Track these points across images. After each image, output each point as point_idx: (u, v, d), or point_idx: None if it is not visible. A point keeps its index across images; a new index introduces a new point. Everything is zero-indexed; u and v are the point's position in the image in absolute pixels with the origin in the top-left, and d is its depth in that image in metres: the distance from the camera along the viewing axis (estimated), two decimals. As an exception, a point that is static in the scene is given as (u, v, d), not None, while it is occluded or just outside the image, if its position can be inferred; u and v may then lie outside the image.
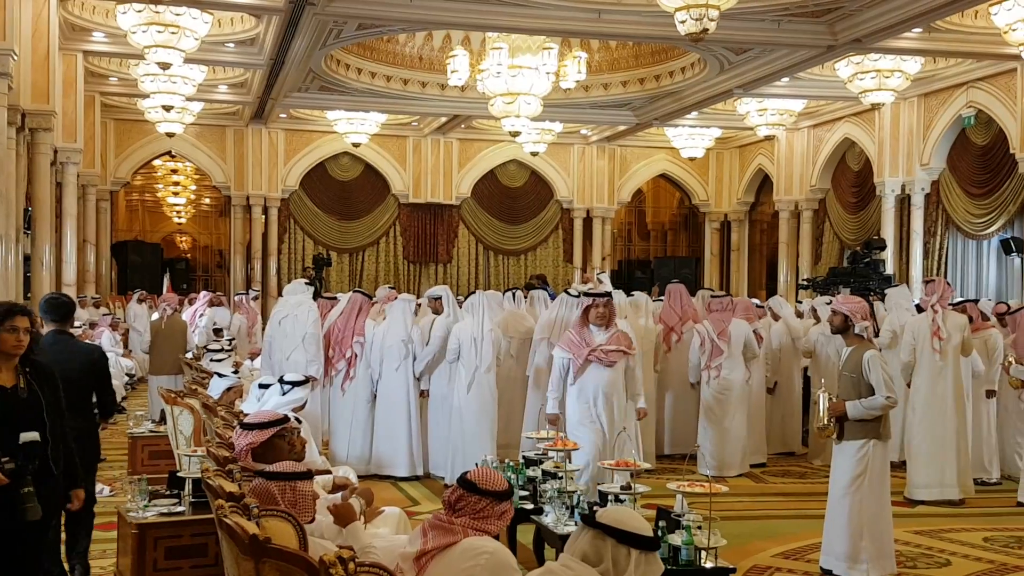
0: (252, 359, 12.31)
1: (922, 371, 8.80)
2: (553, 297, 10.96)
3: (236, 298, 16.72)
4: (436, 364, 9.53)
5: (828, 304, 8.54)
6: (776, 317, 11.34)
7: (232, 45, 15.73)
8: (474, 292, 9.73)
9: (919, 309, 9.58)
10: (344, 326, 9.72)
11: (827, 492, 6.60)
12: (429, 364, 9.48)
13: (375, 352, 9.57)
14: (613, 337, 7.75)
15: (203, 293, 17.73)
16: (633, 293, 10.74)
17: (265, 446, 4.91)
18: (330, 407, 9.91)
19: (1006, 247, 16.87)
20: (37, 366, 4.56)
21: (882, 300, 11.56)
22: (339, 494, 5.31)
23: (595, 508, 4.83)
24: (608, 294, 8.02)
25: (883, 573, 6.29)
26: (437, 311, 9.70)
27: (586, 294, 7.98)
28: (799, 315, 12.12)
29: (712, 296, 10.58)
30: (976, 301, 10.59)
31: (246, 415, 5.97)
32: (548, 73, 15.19)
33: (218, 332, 15.15)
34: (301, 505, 4.04)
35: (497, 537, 3.62)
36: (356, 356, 9.64)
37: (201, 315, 15.94)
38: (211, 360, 10.60)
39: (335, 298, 10.94)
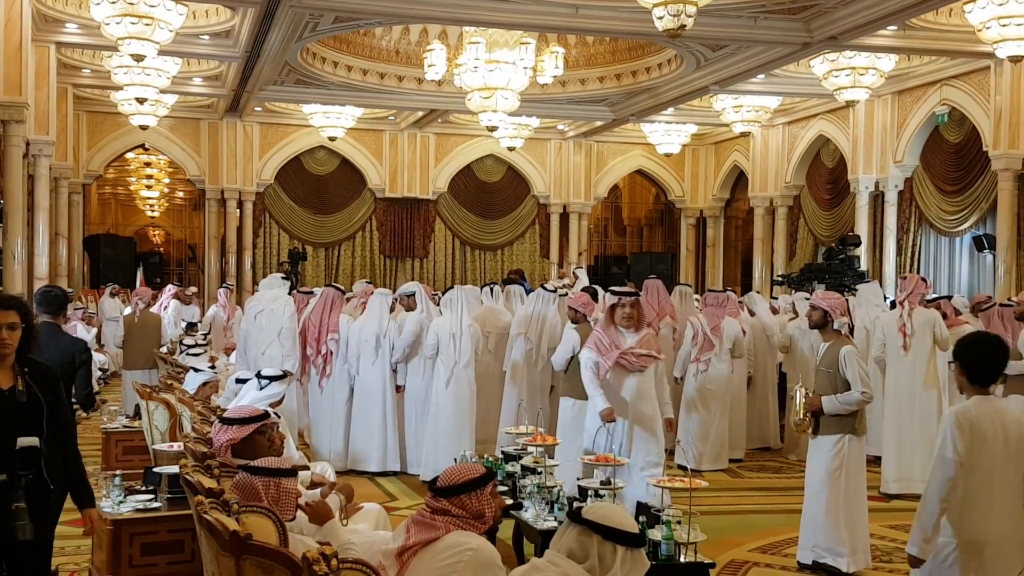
0: (227, 354, 12.24)
1: (891, 367, 8.89)
2: (530, 292, 10.95)
3: (219, 292, 16.59)
4: (410, 359, 9.51)
5: (807, 299, 8.58)
6: (752, 313, 11.40)
7: (207, 37, 15.59)
8: (452, 287, 9.70)
9: (893, 305, 9.67)
10: (318, 322, 9.67)
11: (803, 487, 6.64)
12: (403, 357, 9.45)
13: (352, 347, 9.53)
14: (643, 340, 7.09)
15: (168, 287, 17.62)
16: (611, 288, 10.75)
17: (245, 442, 4.88)
18: (310, 403, 9.87)
19: (978, 244, 17.03)
20: (36, 366, 4.14)
21: (854, 296, 11.65)
22: (317, 490, 5.28)
23: (577, 504, 4.83)
24: (636, 293, 7.31)
25: (858, 567, 6.34)
26: (410, 308, 9.68)
27: (613, 291, 7.19)
28: (774, 311, 12.20)
29: (709, 291, 10.66)
30: (949, 297, 10.69)
31: (223, 410, 5.93)
32: (525, 68, 15.17)
33: (192, 327, 15.03)
34: (284, 502, 4.01)
35: (489, 533, 3.61)
36: (332, 353, 9.59)
37: (165, 307, 15.82)
38: (187, 355, 10.53)
39: (312, 292, 10.89)
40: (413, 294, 9.76)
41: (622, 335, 7.06)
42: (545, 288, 10.15)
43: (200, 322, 15.70)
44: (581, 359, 7.15)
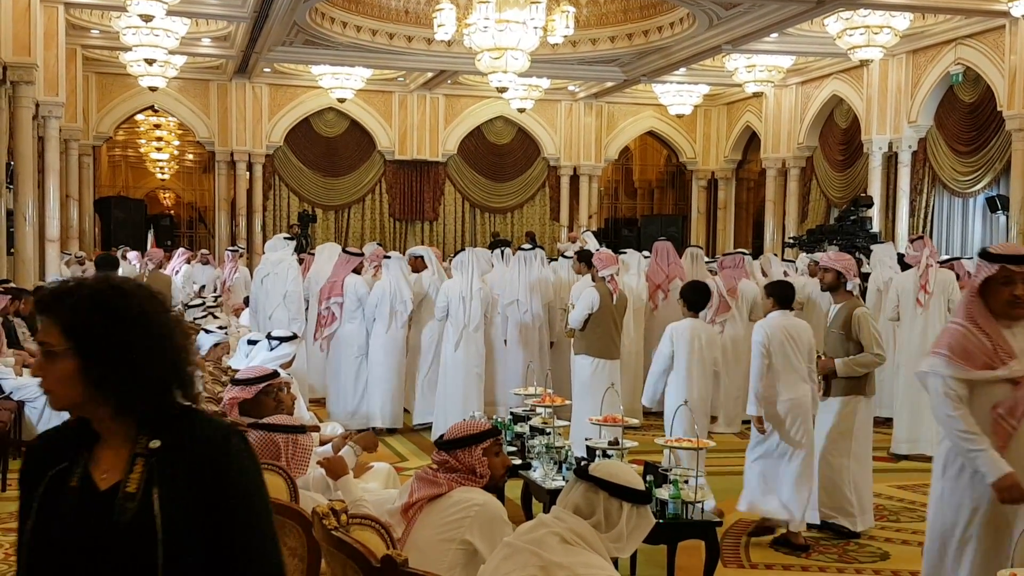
0: (236, 316, 12.30)
1: (905, 327, 8.86)
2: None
3: (226, 253, 16.70)
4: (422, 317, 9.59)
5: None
6: (764, 274, 11.35)
7: (215, -3, 15.52)
8: (463, 249, 9.73)
9: (903, 265, 9.63)
10: (331, 286, 9.70)
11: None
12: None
13: (368, 309, 9.51)
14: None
15: (179, 250, 17.69)
16: (624, 251, 10.74)
17: (252, 402, 4.92)
18: (326, 364, 9.90)
19: (992, 205, 16.91)
20: (175, 439, 1.87)
21: (867, 257, 11.61)
22: (328, 445, 5.32)
23: (585, 463, 4.85)
24: None
25: (864, 527, 6.36)
26: (417, 269, 9.72)
27: (999, 255, 3.81)
28: (784, 275, 12.16)
29: (725, 254, 10.63)
30: (960, 259, 10.64)
31: (235, 371, 5.98)
32: (536, 28, 15.01)
33: (202, 289, 15.14)
34: (301, 458, 4.07)
35: (495, 491, 3.65)
36: (334, 316, 9.59)
37: (176, 272, 15.90)
38: (209, 314, 10.61)
39: (360, 254, 10.88)
40: (422, 256, 9.80)
41: (1008, 334, 3.73)
42: (523, 249, 10.14)
43: (207, 284, 15.78)
44: (931, 380, 3.83)
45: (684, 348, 7.12)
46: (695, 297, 7.26)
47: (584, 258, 9.54)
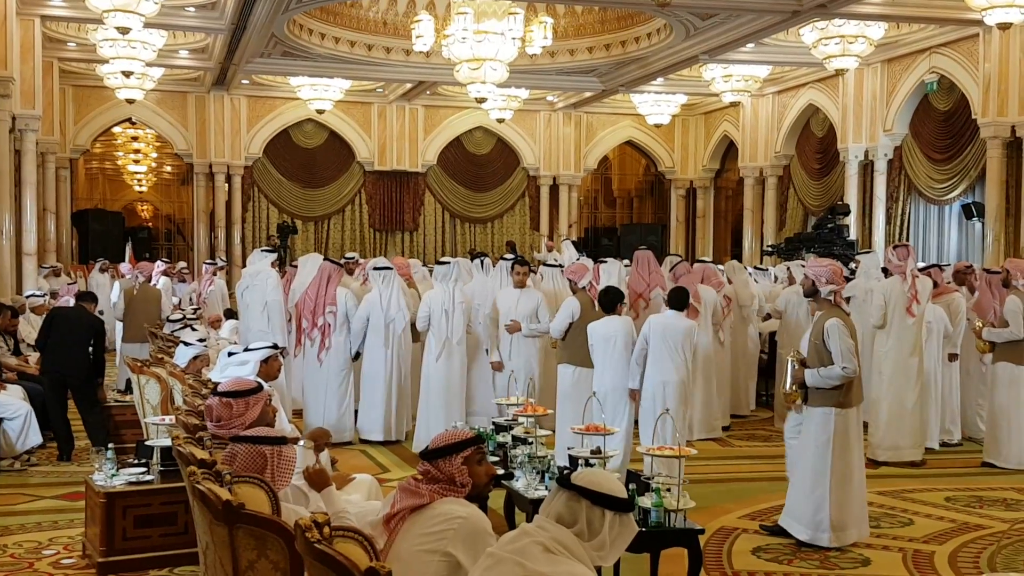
0: (215, 328, 12.25)
1: (892, 335, 8.85)
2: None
3: (204, 266, 16.62)
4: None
5: (803, 267, 8.59)
6: (730, 281, 11.35)
7: (193, 9, 15.44)
8: (441, 262, 9.71)
9: (885, 273, 9.69)
10: (315, 296, 9.63)
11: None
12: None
13: (365, 323, 9.47)
14: None
15: (158, 263, 17.58)
16: (605, 260, 10.78)
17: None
18: (305, 377, 9.84)
19: (967, 212, 17.07)
20: None
21: (847, 265, 11.66)
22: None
23: (567, 471, 4.86)
24: None
25: (852, 540, 6.33)
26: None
27: None
28: (756, 281, 12.21)
29: (672, 266, 10.67)
30: (937, 266, 10.72)
31: (215, 383, 5.94)
32: (514, 39, 15.06)
33: (178, 304, 15.07)
34: (285, 470, 4.05)
35: (479, 500, 3.65)
36: (329, 326, 9.54)
37: (154, 285, 15.79)
38: (187, 325, 10.56)
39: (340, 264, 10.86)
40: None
41: None
42: (504, 258, 10.14)
43: (182, 298, 15.71)
44: None
45: (600, 345, 7.83)
46: (606, 300, 7.95)
47: (524, 264, 9.65)
